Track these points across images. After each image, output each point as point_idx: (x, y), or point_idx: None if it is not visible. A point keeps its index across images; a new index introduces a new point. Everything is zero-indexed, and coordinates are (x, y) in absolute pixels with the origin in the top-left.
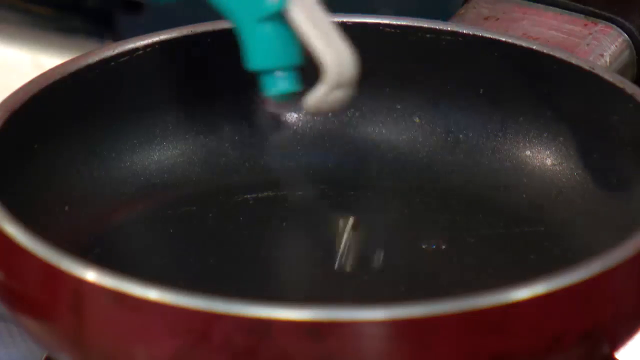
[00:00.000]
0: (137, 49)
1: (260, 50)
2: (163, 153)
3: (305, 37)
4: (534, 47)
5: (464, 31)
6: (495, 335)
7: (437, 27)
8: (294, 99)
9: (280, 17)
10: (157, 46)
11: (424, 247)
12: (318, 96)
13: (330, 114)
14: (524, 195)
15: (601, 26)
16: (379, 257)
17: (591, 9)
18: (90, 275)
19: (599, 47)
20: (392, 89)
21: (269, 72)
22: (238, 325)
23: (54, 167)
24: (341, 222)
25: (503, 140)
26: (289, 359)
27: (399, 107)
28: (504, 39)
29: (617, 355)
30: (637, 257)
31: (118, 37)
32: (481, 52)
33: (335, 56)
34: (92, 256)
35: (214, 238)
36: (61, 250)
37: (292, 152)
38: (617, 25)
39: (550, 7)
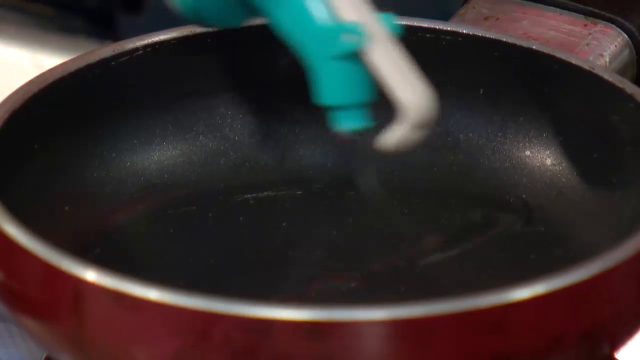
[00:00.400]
0: (137, 49)
1: (332, 87)
2: (163, 153)
3: (383, 77)
4: (534, 47)
5: (464, 31)
6: (495, 335)
7: (437, 27)
8: (364, 133)
9: (354, 55)
10: (157, 46)
11: (423, 247)
12: (396, 136)
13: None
14: (524, 195)
15: (601, 26)
16: (378, 257)
17: (591, 9)
18: (90, 275)
19: (598, 47)
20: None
21: (341, 108)
22: (238, 325)
23: (54, 167)
24: (341, 222)
25: (503, 140)
26: (288, 359)
27: None
28: (504, 39)
29: (617, 355)
30: (637, 257)
31: (118, 37)
32: (481, 52)
33: (413, 96)
34: (92, 256)
35: (214, 238)
36: (61, 250)
37: (292, 152)
38: (617, 25)
39: (550, 7)
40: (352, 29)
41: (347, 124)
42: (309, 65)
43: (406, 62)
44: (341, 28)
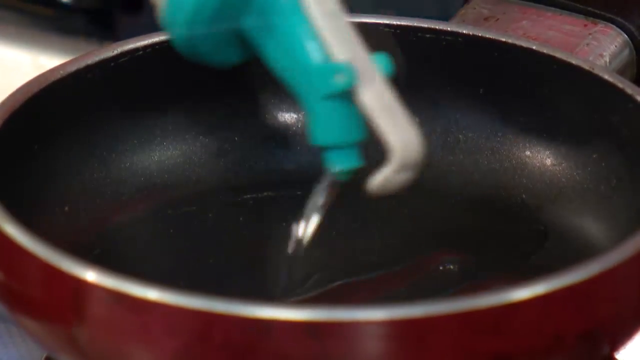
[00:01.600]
0: (137, 49)
1: (324, 127)
2: (163, 153)
3: (372, 117)
4: (534, 47)
5: (464, 31)
6: (495, 335)
7: (437, 27)
8: (355, 174)
9: (346, 94)
10: (157, 46)
11: (423, 247)
12: (383, 178)
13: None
14: (524, 195)
15: (601, 26)
16: (378, 257)
17: (591, 9)
18: (90, 275)
19: (598, 47)
20: (392, 89)
21: (333, 147)
22: (238, 325)
23: (54, 167)
24: (341, 222)
25: (503, 140)
26: (288, 359)
27: None
28: (504, 39)
29: (617, 355)
30: (637, 257)
31: (118, 37)
32: (481, 52)
33: (402, 138)
34: (92, 256)
35: (214, 238)
36: (61, 250)
37: (292, 152)
38: (617, 26)
39: (550, 7)
40: (344, 69)
41: (339, 164)
42: (302, 104)
43: (397, 103)
44: (334, 68)
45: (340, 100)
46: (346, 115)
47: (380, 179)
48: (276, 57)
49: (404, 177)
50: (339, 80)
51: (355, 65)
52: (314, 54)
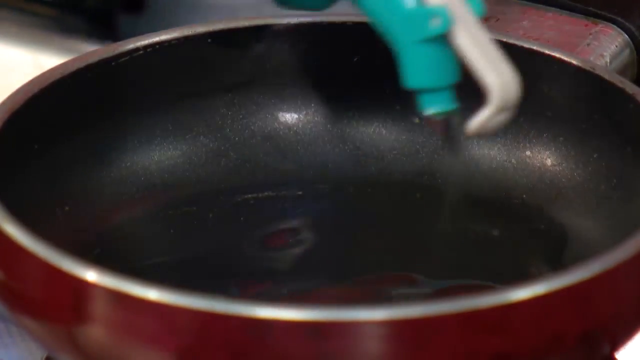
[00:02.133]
0: (137, 49)
1: (419, 70)
2: (163, 153)
3: (469, 59)
4: (534, 47)
5: None
6: (495, 335)
7: None
8: (451, 116)
9: (440, 38)
10: (157, 46)
11: (423, 247)
12: (482, 120)
13: (330, 114)
14: (524, 195)
15: (601, 26)
16: (378, 257)
17: (591, 9)
18: (90, 275)
19: (599, 47)
20: (392, 89)
21: (427, 91)
22: (238, 325)
23: (54, 167)
24: (341, 222)
25: (503, 140)
26: (288, 359)
27: (398, 107)
28: (504, 39)
29: (617, 355)
30: (637, 257)
31: (118, 37)
32: None
33: (500, 79)
34: (92, 256)
35: (214, 238)
36: (61, 250)
37: (292, 152)
38: (617, 26)
39: (550, 7)
40: (438, 12)
41: (433, 107)
42: (395, 48)
43: (492, 44)
44: (428, 12)
45: (434, 44)
46: (440, 59)
47: (480, 121)
48: (370, 3)
49: (502, 118)
50: (435, 24)
51: (449, 8)
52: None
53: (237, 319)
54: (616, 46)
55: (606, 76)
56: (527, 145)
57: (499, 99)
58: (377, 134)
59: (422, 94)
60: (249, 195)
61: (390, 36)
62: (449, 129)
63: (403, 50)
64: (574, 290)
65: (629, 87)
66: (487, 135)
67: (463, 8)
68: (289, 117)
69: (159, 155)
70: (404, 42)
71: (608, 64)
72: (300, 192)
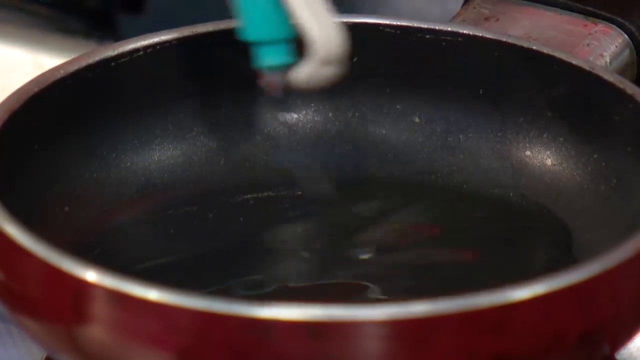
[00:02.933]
0: (137, 49)
1: (255, 22)
2: (163, 153)
3: (294, 11)
4: (534, 47)
5: (464, 31)
6: (495, 335)
7: (437, 27)
8: (286, 72)
9: None
10: (157, 46)
11: (423, 247)
12: (305, 71)
13: (330, 114)
14: (524, 195)
15: (601, 26)
16: (379, 257)
17: (591, 9)
18: (90, 275)
19: (599, 47)
20: (392, 89)
21: (263, 43)
22: (238, 325)
23: (54, 167)
24: (341, 222)
25: (503, 140)
26: (288, 359)
27: (399, 107)
28: (504, 39)
29: (617, 355)
30: (637, 257)
31: (118, 37)
32: (481, 52)
33: (323, 32)
34: (92, 256)
35: (214, 238)
36: (61, 250)
37: (292, 152)
38: (617, 26)
39: (550, 7)
40: None
41: (269, 60)
42: (234, 1)
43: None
44: None
45: None
46: (276, 12)
47: (303, 72)
48: None
49: (327, 72)
50: None
51: None
52: None
53: (237, 319)
54: (616, 46)
55: (606, 76)
56: (527, 145)
57: (321, 51)
58: (377, 134)
59: (259, 47)
60: (249, 195)
61: None
62: (283, 86)
63: (241, 2)
64: (574, 290)
65: (629, 87)
66: (314, 88)
67: None
68: (289, 117)
69: (159, 155)
70: None
71: (608, 64)
72: (300, 192)
